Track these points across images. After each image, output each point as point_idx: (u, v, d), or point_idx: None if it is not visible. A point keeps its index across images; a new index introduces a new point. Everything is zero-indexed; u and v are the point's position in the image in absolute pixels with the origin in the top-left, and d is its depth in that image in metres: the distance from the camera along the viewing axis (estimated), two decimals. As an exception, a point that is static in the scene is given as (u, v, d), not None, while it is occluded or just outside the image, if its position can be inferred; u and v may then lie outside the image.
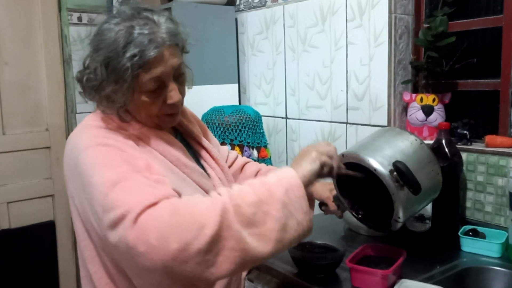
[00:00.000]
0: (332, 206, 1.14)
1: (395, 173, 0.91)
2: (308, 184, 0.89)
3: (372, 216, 1.06)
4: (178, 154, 0.99)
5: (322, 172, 0.93)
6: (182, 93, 0.99)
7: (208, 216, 0.75)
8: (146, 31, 0.88)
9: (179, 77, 0.97)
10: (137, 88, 0.91)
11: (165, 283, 0.78)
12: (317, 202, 1.21)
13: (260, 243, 0.79)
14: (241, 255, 0.77)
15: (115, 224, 0.77)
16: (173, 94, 0.94)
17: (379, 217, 1.03)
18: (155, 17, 0.92)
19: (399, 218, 0.95)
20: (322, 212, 1.19)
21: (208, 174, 1.08)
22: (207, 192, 1.02)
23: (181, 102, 0.98)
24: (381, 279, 1.04)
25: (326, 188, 1.16)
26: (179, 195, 0.89)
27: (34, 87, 2.35)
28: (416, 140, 1.00)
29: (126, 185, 0.80)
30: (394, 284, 1.05)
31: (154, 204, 0.76)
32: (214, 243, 0.75)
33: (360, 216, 1.08)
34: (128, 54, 0.86)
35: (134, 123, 0.97)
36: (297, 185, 0.84)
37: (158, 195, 0.78)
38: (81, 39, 2.37)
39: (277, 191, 0.82)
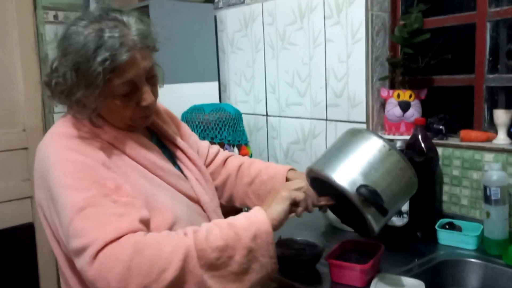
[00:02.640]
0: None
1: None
2: (280, 225, 0.89)
3: (350, 220, 1.06)
4: (154, 157, 0.98)
5: (295, 209, 0.94)
6: (155, 94, 0.97)
7: (170, 260, 0.75)
8: (116, 34, 0.86)
9: (151, 79, 0.95)
10: (109, 93, 0.89)
11: None
12: None
13: (220, 285, 0.80)
14: None
15: (76, 253, 0.78)
16: (146, 97, 0.93)
17: (357, 222, 1.02)
18: (124, 18, 0.90)
19: (373, 230, 0.95)
20: None
21: (185, 175, 1.07)
22: (184, 194, 1.01)
23: (154, 103, 0.97)
24: (359, 273, 1.05)
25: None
26: (152, 206, 0.89)
27: (10, 87, 2.30)
28: (384, 146, 0.95)
29: (91, 213, 0.79)
30: (372, 278, 1.07)
31: (116, 239, 0.76)
32: (174, 287, 0.76)
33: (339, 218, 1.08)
34: (99, 59, 0.84)
35: (106, 128, 0.95)
36: (266, 231, 0.84)
37: (121, 229, 0.77)
38: (52, 39, 2.33)
39: (245, 237, 0.82)
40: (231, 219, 0.86)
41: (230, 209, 1.25)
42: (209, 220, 1.04)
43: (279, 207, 0.90)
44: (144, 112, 0.95)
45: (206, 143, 1.30)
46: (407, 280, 1.06)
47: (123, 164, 0.93)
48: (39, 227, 2.42)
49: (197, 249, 0.78)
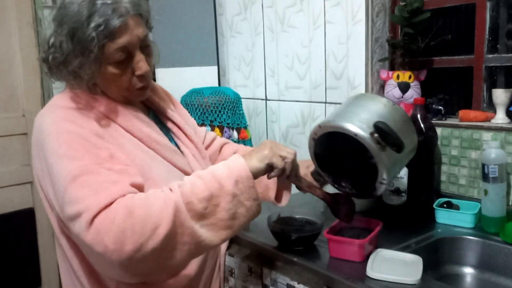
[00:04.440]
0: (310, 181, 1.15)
1: (375, 135, 0.93)
2: (255, 177, 0.92)
3: (355, 185, 1.08)
4: (149, 130, 0.99)
5: (270, 173, 0.97)
6: (150, 65, 0.99)
7: (161, 216, 0.79)
8: (109, 1, 0.88)
9: (146, 49, 0.97)
10: (104, 60, 0.91)
11: (126, 276, 0.82)
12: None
13: (211, 233, 0.86)
14: (194, 247, 0.84)
15: (72, 219, 0.81)
16: (141, 65, 0.94)
17: (362, 185, 1.04)
18: None
19: (384, 180, 0.97)
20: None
21: (181, 151, 1.08)
22: (179, 169, 1.02)
23: (149, 73, 0.99)
24: (358, 249, 1.06)
25: (303, 165, 1.17)
26: (147, 177, 0.92)
27: (9, 71, 2.30)
28: (388, 102, 1.02)
29: (85, 181, 0.82)
30: (371, 253, 1.08)
31: (109, 205, 0.79)
32: (169, 240, 0.80)
33: (344, 188, 1.09)
34: (92, 24, 0.87)
35: (103, 100, 0.96)
36: (246, 176, 0.89)
37: (113, 195, 0.80)
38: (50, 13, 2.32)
39: (228, 184, 0.87)
40: (212, 169, 0.90)
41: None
42: None
43: (256, 163, 0.93)
44: (140, 82, 0.96)
45: (203, 128, 1.32)
46: (405, 256, 1.07)
47: (118, 135, 0.94)
48: (40, 212, 2.43)
49: (184, 202, 0.82)
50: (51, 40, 0.94)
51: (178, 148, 1.08)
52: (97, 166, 0.84)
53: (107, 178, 0.83)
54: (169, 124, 1.11)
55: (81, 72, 0.91)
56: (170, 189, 0.85)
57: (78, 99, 0.95)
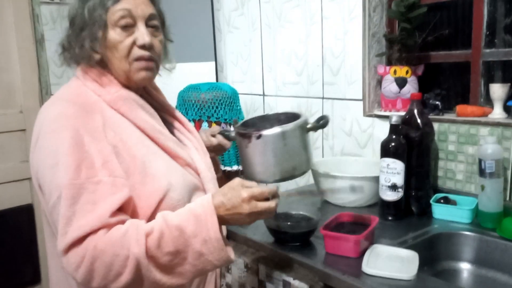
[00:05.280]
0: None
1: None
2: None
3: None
4: (153, 121, 0.99)
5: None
6: (156, 47, 0.99)
7: (123, 266, 0.82)
8: None
9: (155, 31, 0.99)
10: (109, 24, 0.94)
11: None
12: None
13: (177, 279, 0.87)
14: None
15: (55, 233, 0.85)
16: (144, 36, 0.95)
17: None
18: None
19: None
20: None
21: (184, 144, 1.09)
22: (182, 159, 1.02)
23: (154, 50, 0.98)
24: (353, 245, 1.06)
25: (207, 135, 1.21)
26: (147, 173, 0.93)
27: (6, 68, 2.29)
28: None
29: (69, 196, 0.83)
30: (366, 249, 1.08)
31: (81, 239, 0.82)
32: (132, 285, 0.84)
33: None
34: None
35: (109, 87, 0.96)
36: (216, 238, 0.86)
37: (86, 228, 0.82)
38: (53, 18, 2.31)
39: (195, 243, 0.85)
40: (182, 220, 0.86)
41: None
42: (204, 190, 1.05)
43: (234, 224, 0.91)
44: (139, 52, 0.96)
45: None
46: (401, 251, 1.07)
47: (121, 130, 0.94)
48: (38, 208, 2.43)
49: (148, 256, 0.83)
50: (69, 20, 0.98)
51: (180, 142, 1.09)
52: (85, 181, 0.84)
53: (91, 197, 0.84)
54: (171, 119, 1.12)
55: (87, 43, 0.94)
56: (137, 235, 0.83)
57: (84, 89, 0.96)
